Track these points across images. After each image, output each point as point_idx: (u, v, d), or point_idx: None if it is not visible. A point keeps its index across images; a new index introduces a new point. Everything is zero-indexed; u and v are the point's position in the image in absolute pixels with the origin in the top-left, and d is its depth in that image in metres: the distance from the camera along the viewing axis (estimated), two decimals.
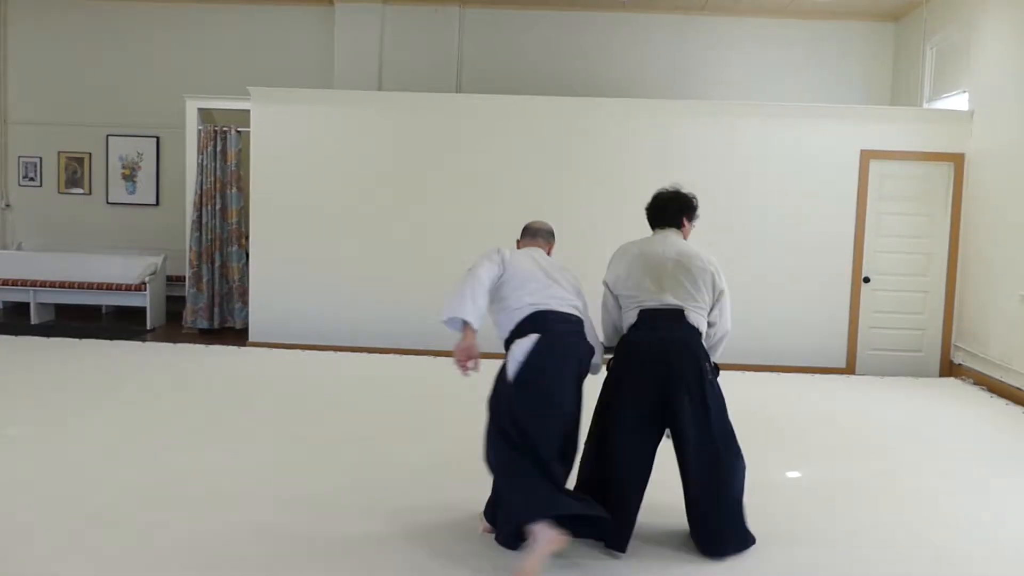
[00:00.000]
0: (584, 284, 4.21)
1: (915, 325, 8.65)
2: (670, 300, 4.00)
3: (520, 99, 9.05)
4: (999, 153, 7.93)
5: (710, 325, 4.12)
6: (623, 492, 3.90)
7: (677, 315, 3.99)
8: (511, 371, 3.82)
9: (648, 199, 4.41)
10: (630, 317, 4.07)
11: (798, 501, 4.78)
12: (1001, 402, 7.42)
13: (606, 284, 4.23)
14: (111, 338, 9.05)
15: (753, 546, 4.00)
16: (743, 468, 4.02)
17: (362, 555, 3.84)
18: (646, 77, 10.62)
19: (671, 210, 4.32)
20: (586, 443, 4.03)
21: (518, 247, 4.36)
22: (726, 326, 4.19)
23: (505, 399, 3.82)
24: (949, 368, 8.57)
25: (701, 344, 4.01)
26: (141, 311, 10.01)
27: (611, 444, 3.94)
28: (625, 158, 8.67)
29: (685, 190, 4.39)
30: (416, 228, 8.86)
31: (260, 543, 3.91)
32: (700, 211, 4.44)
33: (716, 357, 4.14)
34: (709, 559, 3.89)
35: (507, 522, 3.85)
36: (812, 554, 4.02)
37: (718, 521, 3.92)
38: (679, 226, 4.32)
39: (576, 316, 4.00)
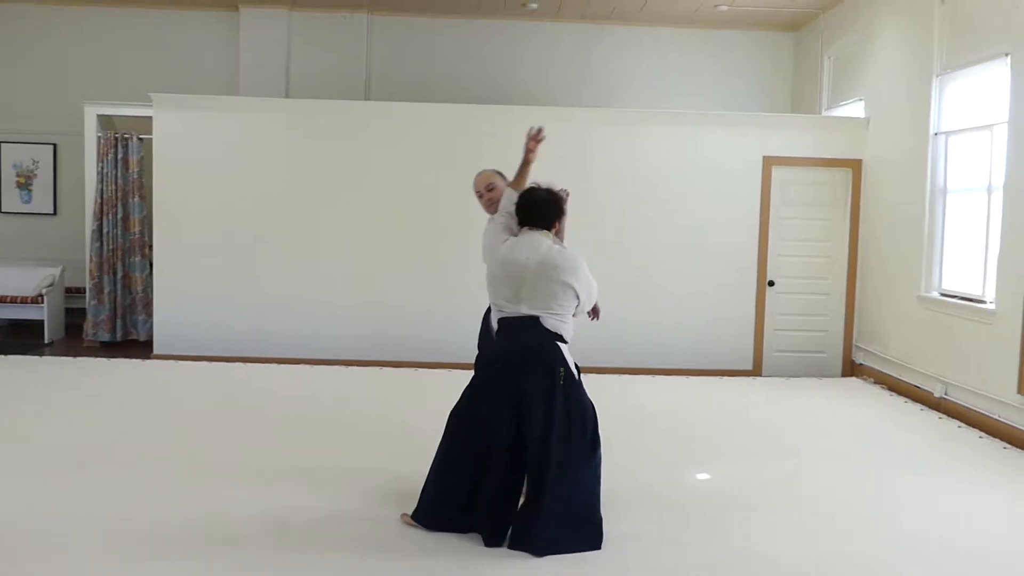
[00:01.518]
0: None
1: (818, 327, 8.89)
2: (524, 310, 4.09)
3: (428, 106, 9.04)
4: (894, 158, 8.21)
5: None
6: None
7: (533, 322, 4.07)
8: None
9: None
10: (494, 323, 4.23)
11: (709, 503, 4.85)
12: (900, 400, 7.67)
13: (490, 244, 4.38)
14: (6, 353, 8.71)
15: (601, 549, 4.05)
16: (590, 477, 4.11)
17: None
18: (553, 85, 10.71)
19: (546, 212, 4.32)
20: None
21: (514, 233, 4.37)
22: (593, 298, 4.32)
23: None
24: (851, 368, 8.82)
25: (557, 349, 4.08)
26: (39, 324, 9.65)
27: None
28: (533, 165, 8.68)
29: (557, 187, 4.43)
30: (323, 235, 8.75)
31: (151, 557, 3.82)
32: (576, 211, 4.54)
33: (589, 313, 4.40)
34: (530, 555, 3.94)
35: None
36: (723, 554, 4.09)
37: (541, 519, 3.97)
38: (550, 227, 4.31)
39: None
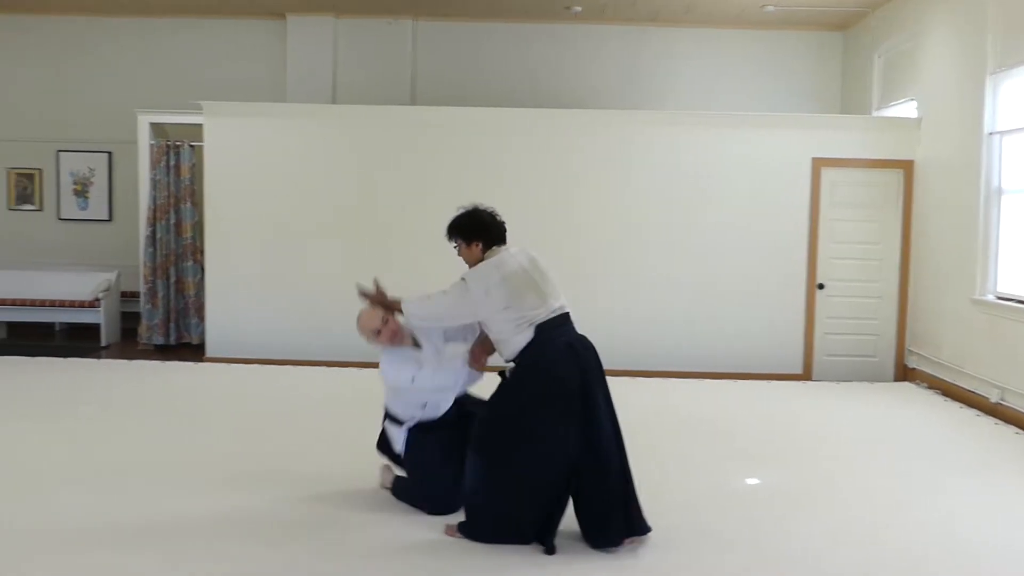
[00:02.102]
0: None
1: (869, 330, 8.76)
2: (554, 304, 4.15)
3: (474, 111, 9.07)
4: (947, 159, 8.07)
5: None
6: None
7: (567, 316, 4.20)
8: None
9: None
10: (524, 337, 4.08)
11: (757, 507, 4.81)
12: (955, 405, 7.53)
13: (451, 312, 4.28)
14: (65, 356, 8.90)
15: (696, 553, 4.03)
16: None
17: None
18: (599, 88, 10.69)
19: (502, 229, 4.36)
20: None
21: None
22: None
23: None
24: (904, 372, 8.69)
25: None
26: (95, 328, 9.86)
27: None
28: (579, 169, 8.70)
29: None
30: (372, 239, 8.82)
31: (220, 559, 3.88)
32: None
33: None
34: None
35: None
36: (772, 559, 4.06)
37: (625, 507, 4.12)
38: (504, 242, 4.35)
39: None
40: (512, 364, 4.16)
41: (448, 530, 4.23)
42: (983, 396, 7.29)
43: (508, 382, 4.14)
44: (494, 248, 4.28)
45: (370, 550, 4.06)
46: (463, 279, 4.20)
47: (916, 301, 8.59)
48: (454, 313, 4.25)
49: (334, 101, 10.55)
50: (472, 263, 4.31)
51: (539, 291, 4.13)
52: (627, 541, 4.06)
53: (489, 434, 4.13)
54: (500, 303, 4.07)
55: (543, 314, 4.09)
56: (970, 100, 7.60)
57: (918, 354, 8.49)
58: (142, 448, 5.69)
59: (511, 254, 4.24)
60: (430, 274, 8.70)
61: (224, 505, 4.59)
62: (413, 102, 10.67)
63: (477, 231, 4.29)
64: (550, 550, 4.00)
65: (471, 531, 4.15)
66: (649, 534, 4.14)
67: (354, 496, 4.78)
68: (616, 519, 4.04)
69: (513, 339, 4.09)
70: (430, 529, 4.30)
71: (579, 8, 10.01)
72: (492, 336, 4.21)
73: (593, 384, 4.08)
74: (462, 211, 4.37)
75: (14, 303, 9.78)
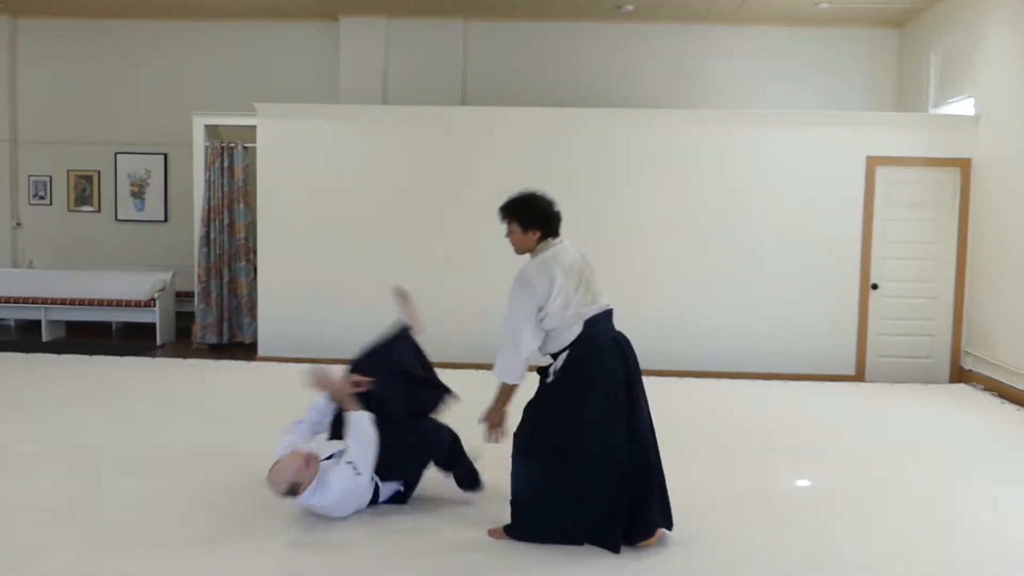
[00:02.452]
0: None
1: (924, 331, 8.62)
2: (603, 302, 4.14)
3: (524, 111, 9.08)
4: (1006, 158, 7.91)
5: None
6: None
7: (611, 313, 4.18)
8: None
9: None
10: (573, 332, 4.04)
11: (807, 510, 4.76)
12: (1012, 408, 7.39)
13: (530, 316, 4.04)
14: (121, 354, 9.08)
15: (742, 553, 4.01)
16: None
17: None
18: (650, 86, 10.64)
19: (559, 220, 4.29)
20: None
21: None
22: None
23: None
24: (959, 374, 8.53)
25: None
26: (151, 327, 10.04)
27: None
28: (630, 168, 8.67)
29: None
30: (424, 240, 8.87)
31: (270, 552, 3.93)
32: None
33: None
34: None
35: None
36: (822, 563, 4.01)
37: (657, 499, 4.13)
38: (558, 235, 4.28)
39: None
40: (552, 360, 4.11)
41: (493, 532, 4.19)
42: None
43: (555, 381, 4.07)
44: (549, 240, 4.19)
45: (416, 551, 4.09)
46: (521, 278, 4.09)
47: (972, 302, 8.43)
48: (526, 318, 4.03)
49: (385, 102, 10.63)
50: (522, 250, 4.25)
51: (589, 287, 4.11)
52: (657, 533, 4.08)
53: (539, 434, 4.07)
54: (560, 296, 4.01)
55: (593, 310, 4.07)
56: None
57: (974, 355, 8.33)
58: (195, 442, 5.79)
59: (564, 248, 4.18)
60: (480, 274, 8.79)
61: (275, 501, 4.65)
62: (464, 102, 10.71)
63: (538, 219, 4.19)
64: (616, 549, 3.98)
65: (519, 532, 4.12)
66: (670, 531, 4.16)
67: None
68: (654, 511, 4.04)
69: (562, 334, 4.04)
70: (472, 529, 4.30)
71: (631, 7, 9.97)
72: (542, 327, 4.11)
73: (635, 377, 4.08)
74: (521, 194, 4.27)
75: (73, 303, 10.00)
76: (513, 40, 10.83)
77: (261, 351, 9.05)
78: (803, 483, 5.28)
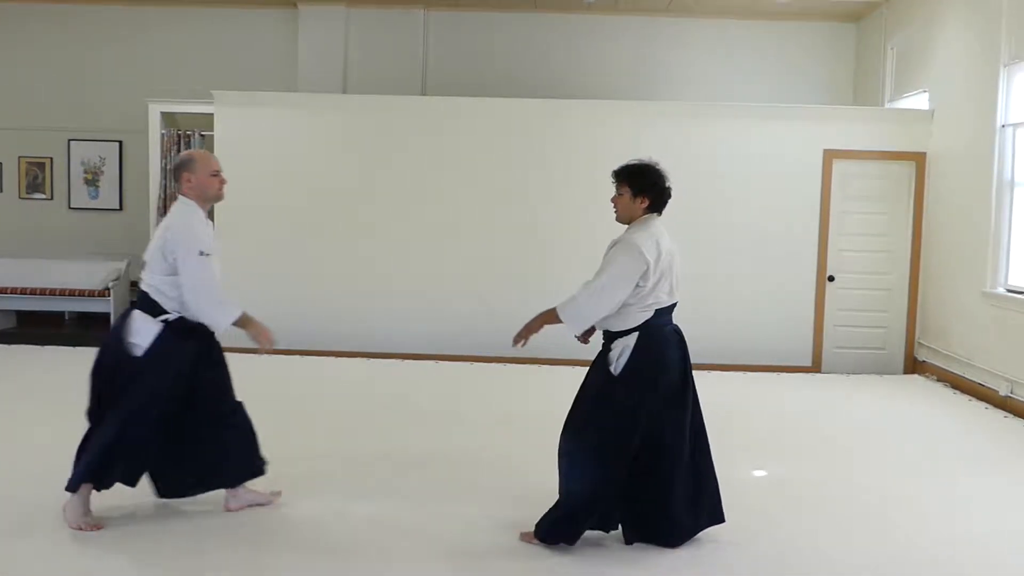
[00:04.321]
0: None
1: (879, 323, 8.74)
2: (676, 297, 4.06)
3: (485, 101, 9.06)
4: (959, 151, 8.03)
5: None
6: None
7: (673, 308, 4.07)
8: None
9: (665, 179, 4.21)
10: (644, 316, 3.92)
11: (764, 499, 4.81)
12: (964, 398, 7.52)
13: (630, 279, 3.89)
14: (74, 345, 8.93)
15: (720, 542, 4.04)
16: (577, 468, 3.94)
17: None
18: (610, 79, 10.65)
19: (669, 197, 4.19)
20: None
21: None
22: None
23: None
24: (913, 365, 8.66)
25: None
26: (105, 317, 9.88)
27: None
28: (591, 159, 8.66)
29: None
30: (383, 229, 8.82)
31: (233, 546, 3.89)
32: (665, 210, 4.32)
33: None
34: None
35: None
36: (777, 552, 4.05)
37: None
38: (662, 212, 4.20)
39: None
40: (607, 338, 4.00)
41: (524, 536, 4.04)
42: (993, 389, 7.27)
43: (622, 376, 3.88)
44: (653, 215, 4.11)
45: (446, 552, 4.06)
46: (630, 243, 3.92)
47: (926, 294, 8.56)
48: (625, 279, 3.87)
49: (345, 91, 10.55)
50: (625, 218, 4.11)
51: (672, 283, 4.01)
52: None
53: (602, 433, 3.88)
54: (657, 274, 3.90)
55: (667, 300, 3.98)
56: (983, 92, 7.56)
57: (928, 347, 8.47)
58: None
59: (663, 231, 4.07)
60: (439, 263, 8.78)
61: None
62: (424, 92, 10.66)
63: (651, 188, 4.10)
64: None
65: (563, 534, 3.95)
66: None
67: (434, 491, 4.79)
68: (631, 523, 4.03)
69: (635, 313, 3.91)
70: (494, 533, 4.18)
71: None
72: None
73: (689, 373, 4.08)
74: (638, 160, 4.18)
75: (24, 292, 9.82)
76: (474, 30, 10.78)
77: (221, 342, 8.92)
78: (760, 473, 5.33)
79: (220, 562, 3.79)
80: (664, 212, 4.18)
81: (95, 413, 4.18)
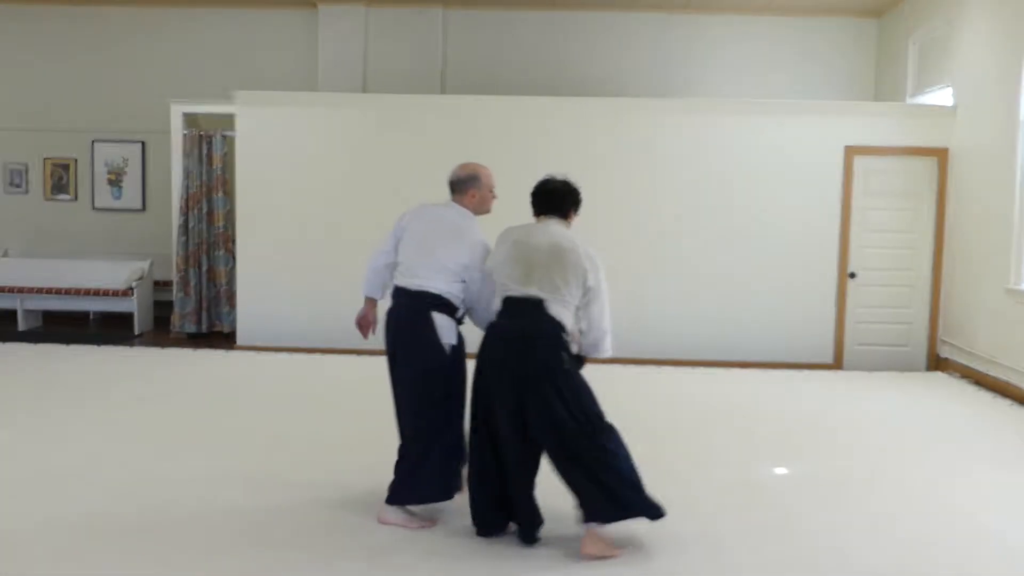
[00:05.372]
0: None
1: (901, 320, 8.68)
2: (534, 291, 3.97)
3: (504, 99, 9.06)
4: (983, 147, 7.96)
5: (585, 327, 4.06)
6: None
7: (536, 304, 3.96)
8: None
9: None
10: (497, 304, 4.12)
11: (786, 497, 4.79)
12: (988, 396, 7.45)
13: (486, 270, 4.23)
14: (99, 343, 9.02)
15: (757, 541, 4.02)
16: (612, 453, 3.89)
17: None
18: (629, 76, 10.63)
19: (562, 200, 4.37)
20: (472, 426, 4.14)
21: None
22: (602, 326, 4.09)
23: None
24: (936, 362, 8.60)
25: (559, 335, 3.95)
26: (128, 316, 9.98)
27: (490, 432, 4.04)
28: (611, 157, 8.67)
29: (572, 182, 4.46)
30: None
31: (250, 544, 3.92)
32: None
33: (601, 354, 4.11)
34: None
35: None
36: (801, 550, 4.04)
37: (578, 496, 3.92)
38: (565, 216, 4.33)
39: (419, 291, 4.28)
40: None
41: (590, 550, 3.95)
42: (1016, 386, 7.20)
43: (570, 368, 3.95)
44: (542, 217, 4.33)
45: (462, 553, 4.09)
46: (591, 257, 4.18)
47: (949, 290, 8.49)
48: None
49: (364, 90, 10.59)
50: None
51: (527, 274, 4.00)
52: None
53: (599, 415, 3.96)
54: (495, 256, 4.19)
55: (515, 292, 4.00)
56: (1007, 87, 7.49)
57: (951, 344, 8.40)
58: (173, 435, 5.76)
59: (546, 230, 4.19)
60: None
61: (257, 500, 4.64)
62: (443, 91, 10.68)
63: (534, 197, 4.45)
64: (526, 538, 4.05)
65: (641, 508, 3.93)
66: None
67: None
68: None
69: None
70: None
71: None
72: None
73: (531, 371, 3.93)
74: (552, 178, 4.52)
75: (50, 292, 9.90)
76: (492, 28, 10.79)
77: (240, 340, 9.01)
78: (781, 471, 5.31)
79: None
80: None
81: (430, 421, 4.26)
